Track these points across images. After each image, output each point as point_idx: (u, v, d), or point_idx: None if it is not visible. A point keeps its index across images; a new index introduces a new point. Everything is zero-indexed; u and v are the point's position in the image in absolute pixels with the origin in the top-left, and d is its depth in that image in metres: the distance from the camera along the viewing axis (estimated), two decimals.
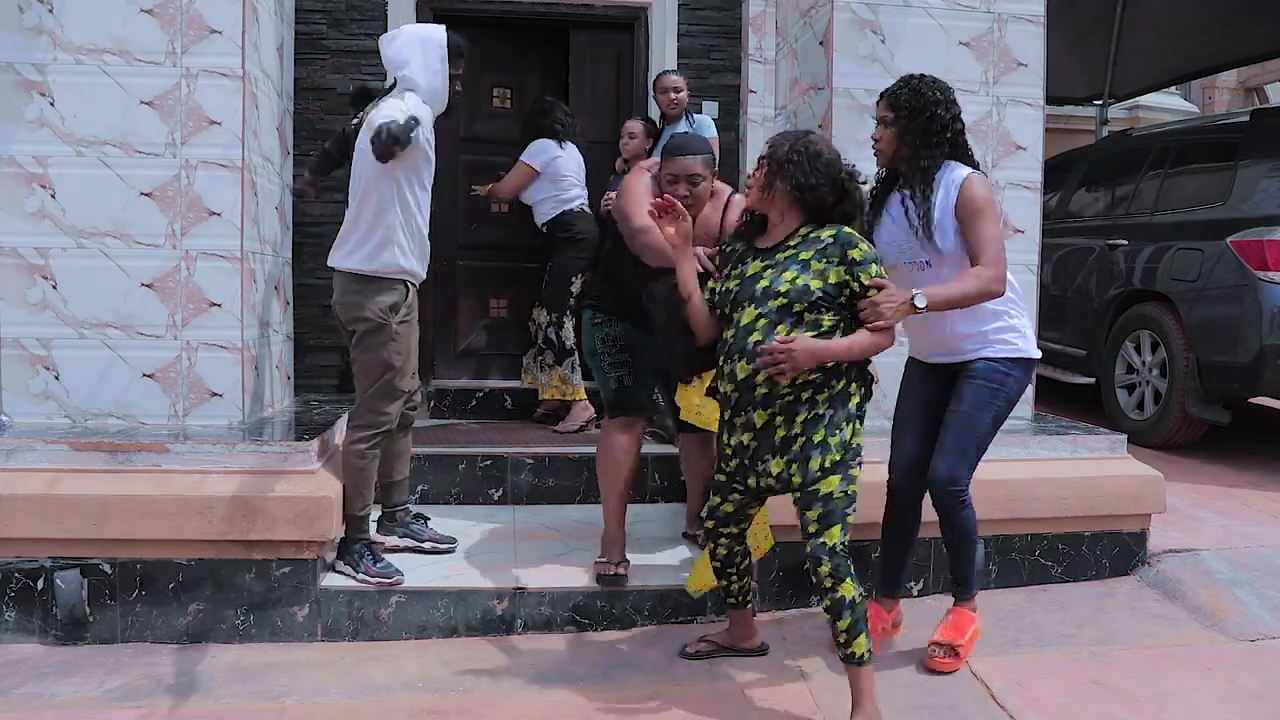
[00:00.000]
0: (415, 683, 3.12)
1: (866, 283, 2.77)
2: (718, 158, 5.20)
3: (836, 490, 2.79)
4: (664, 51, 5.82)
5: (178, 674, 3.16)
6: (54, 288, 3.71)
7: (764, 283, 2.81)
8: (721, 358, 2.90)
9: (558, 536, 4.14)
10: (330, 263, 3.54)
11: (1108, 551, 3.91)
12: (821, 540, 2.78)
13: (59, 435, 3.52)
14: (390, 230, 3.45)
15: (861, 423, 2.90)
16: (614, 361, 3.68)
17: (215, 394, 3.77)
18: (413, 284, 3.60)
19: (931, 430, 3.19)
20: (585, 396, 5.18)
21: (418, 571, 3.66)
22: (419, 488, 4.62)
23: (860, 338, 2.78)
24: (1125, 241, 6.08)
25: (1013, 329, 3.13)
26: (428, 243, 3.64)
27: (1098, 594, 3.78)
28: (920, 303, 2.79)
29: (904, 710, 2.94)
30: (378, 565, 3.52)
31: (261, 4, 4.05)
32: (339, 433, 4.04)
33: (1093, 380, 6.43)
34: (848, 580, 2.77)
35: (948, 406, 3.15)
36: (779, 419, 2.80)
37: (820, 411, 2.80)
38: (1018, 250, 4.09)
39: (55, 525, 3.30)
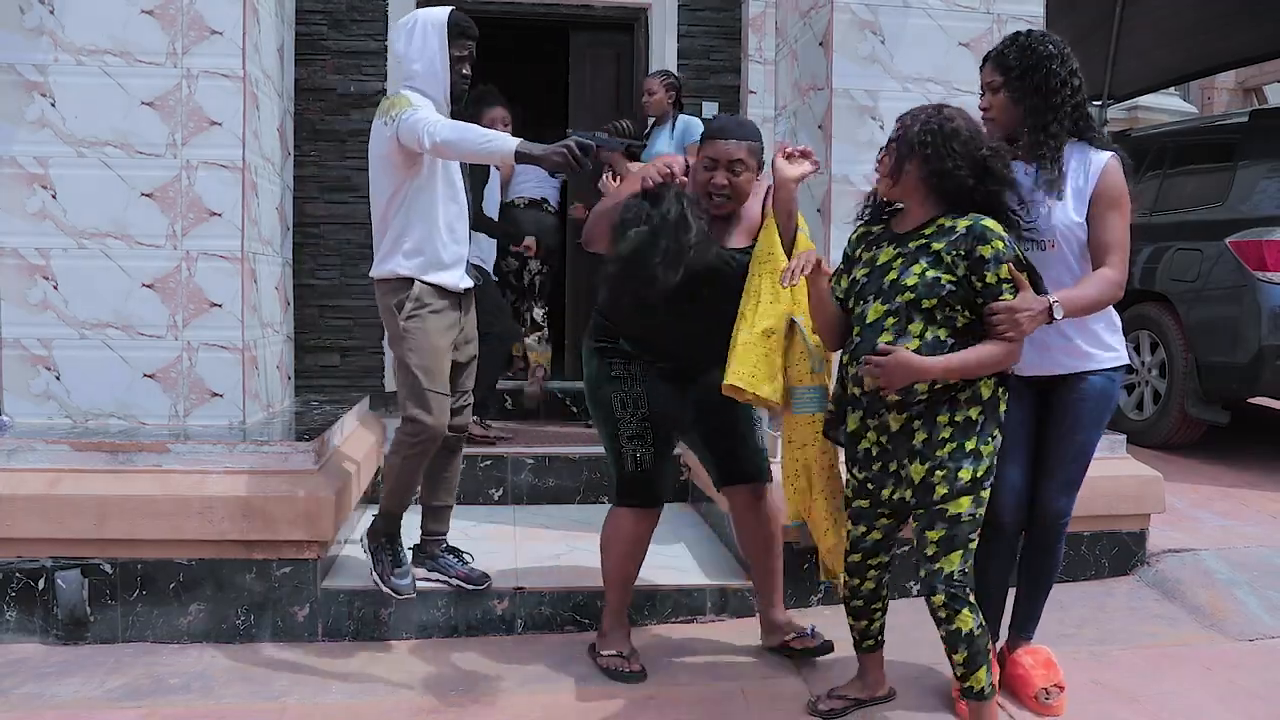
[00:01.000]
0: (416, 683, 3.12)
1: (1003, 277, 2.42)
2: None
3: (965, 513, 2.49)
4: (664, 52, 5.83)
5: (178, 674, 3.16)
6: (55, 288, 3.71)
7: (892, 274, 2.51)
8: (846, 357, 2.63)
9: (558, 536, 4.15)
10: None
11: (1107, 551, 3.91)
12: (939, 566, 2.50)
13: (60, 435, 3.52)
14: (395, 236, 3.28)
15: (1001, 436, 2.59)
16: (633, 435, 3.08)
17: (216, 394, 3.78)
18: (425, 281, 3.28)
19: (1032, 455, 2.85)
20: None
21: (418, 571, 3.66)
22: (419, 488, 4.62)
23: (976, 354, 2.44)
24: None
25: (1114, 329, 2.83)
26: (454, 245, 3.35)
27: (1097, 594, 3.78)
28: (1058, 313, 2.45)
29: (903, 710, 2.94)
30: (396, 574, 3.33)
31: (262, 5, 4.06)
32: (339, 433, 4.05)
33: None
34: (965, 611, 2.53)
35: (1051, 427, 2.82)
36: (917, 422, 2.51)
37: (971, 415, 2.50)
38: None
39: (56, 525, 3.30)
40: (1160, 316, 5.61)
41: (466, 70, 3.34)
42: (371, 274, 3.39)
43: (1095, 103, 9.06)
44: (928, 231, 2.52)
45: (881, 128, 3.97)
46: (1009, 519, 2.85)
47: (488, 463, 4.67)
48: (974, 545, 2.53)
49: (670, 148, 5.28)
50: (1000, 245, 2.43)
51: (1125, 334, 5.91)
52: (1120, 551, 3.92)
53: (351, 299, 5.62)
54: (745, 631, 3.50)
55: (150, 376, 3.75)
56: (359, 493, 4.07)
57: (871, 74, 3.97)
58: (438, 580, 3.52)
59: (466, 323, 3.49)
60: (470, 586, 3.49)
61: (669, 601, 3.58)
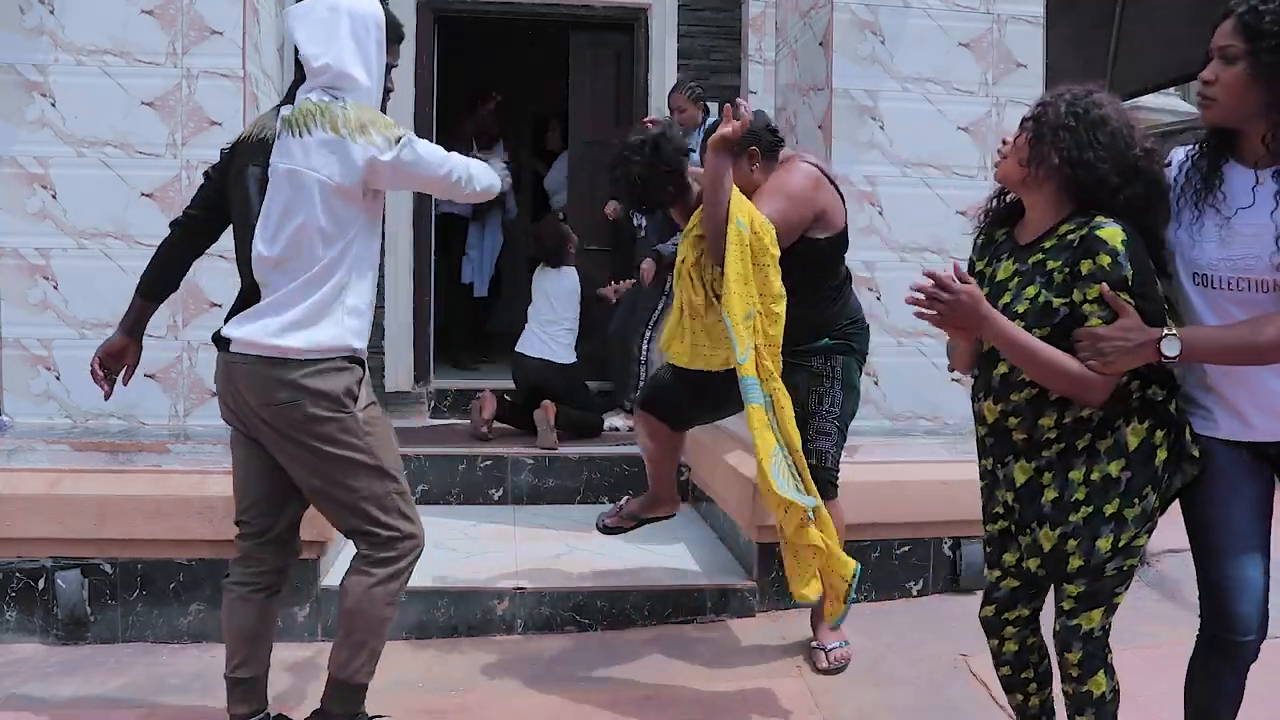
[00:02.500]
0: (415, 682, 3.13)
1: (1090, 298, 1.96)
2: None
3: (1111, 567, 2.08)
4: (664, 52, 5.83)
5: (178, 674, 3.16)
6: (55, 288, 3.71)
7: (1006, 297, 2.09)
8: (972, 392, 2.26)
9: (558, 537, 4.15)
10: None
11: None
12: (1076, 622, 2.13)
13: (60, 435, 3.52)
14: (336, 292, 2.51)
15: (1167, 485, 2.10)
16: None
17: (215, 394, 3.77)
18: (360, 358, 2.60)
19: (1265, 542, 2.15)
20: None
21: (418, 571, 3.66)
22: (419, 488, 4.63)
23: (1056, 357, 1.99)
24: None
25: None
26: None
27: None
28: (1172, 350, 1.92)
29: (904, 710, 2.95)
30: None
31: (262, 5, 4.05)
32: None
33: None
34: (1100, 674, 2.20)
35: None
36: (1046, 475, 2.08)
37: (1112, 471, 2.03)
38: None
39: (56, 525, 3.30)
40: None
41: (390, 84, 2.67)
42: (290, 346, 2.46)
43: None
44: (1047, 244, 2.07)
45: (882, 128, 3.98)
46: (1245, 635, 2.15)
47: (488, 463, 4.67)
48: (1120, 600, 2.17)
49: (699, 156, 5.33)
50: (1106, 261, 1.95)
51: None
52: None
53: None
54: (745, 631, 3.50)
55: (150, 376, 3.74)
56: None
57: (871, 74, 3.97)
58: None
59: None
60: None
61: (669, 601, 3.58)
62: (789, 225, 3.07)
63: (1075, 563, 2.08)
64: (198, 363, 3.76)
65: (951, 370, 2.40)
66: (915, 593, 3.76)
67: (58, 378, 3.71)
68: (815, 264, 3.21)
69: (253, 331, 2.50)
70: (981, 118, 4.05)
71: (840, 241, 3.27)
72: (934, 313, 2.03)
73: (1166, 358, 1.93)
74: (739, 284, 2.89)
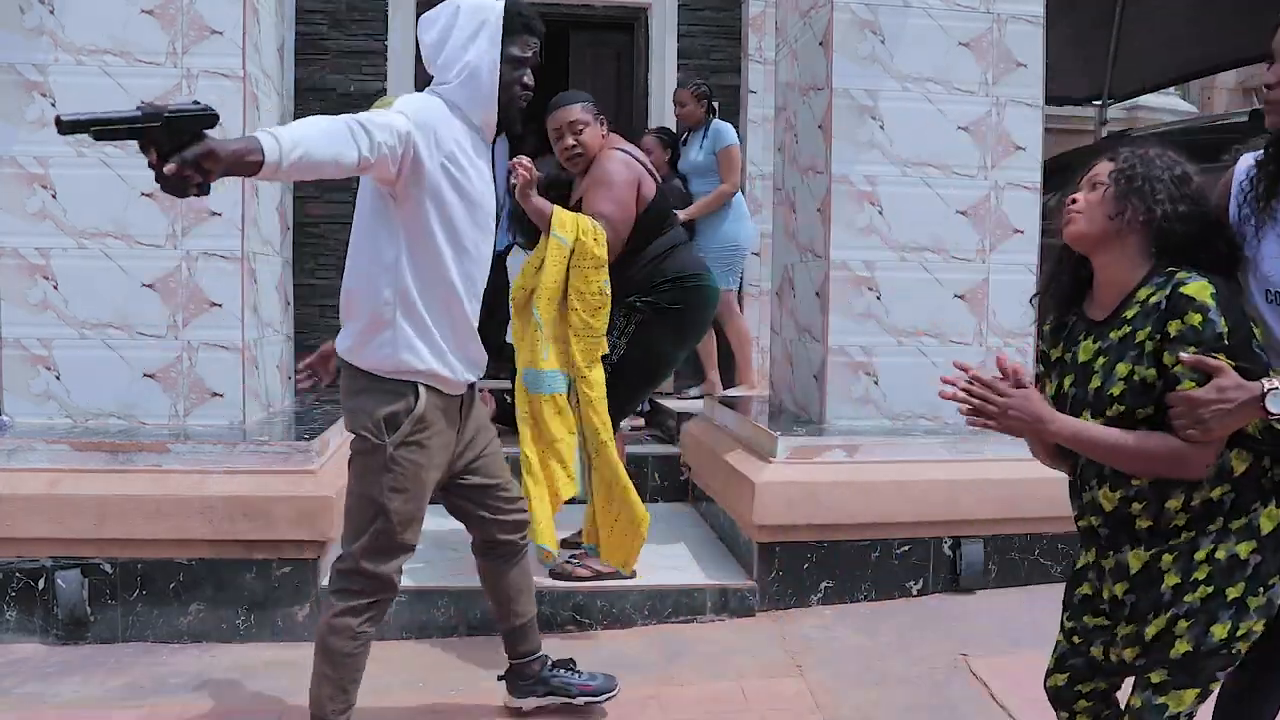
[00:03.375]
0: (415, 682, 3.12)
1: (1184, 361, 1.73)
2: (740, 165, 5.26)
3: (1218, 641, 1.79)
4: (664, 52, 5.84)
5: (179, 674, 3.16)
6: (55, 288, 3.71)
7: (1095, 381, 1.86)
8: (1078, 481, 2.01)
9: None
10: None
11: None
12: (1163, 701, 1.82)
13: (60, 435, 3.52)
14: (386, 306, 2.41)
15: None
16: None
17: (216, 394, 3.78)
18: (432, 386, 2.46)
19: None
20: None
21: (418, 571, 3.67)
22: None
23: (1136, 440, 1.78)
24: None
25: None
26: (469, 329, 2.54)
27: None
28: (1276, 406, 1.70)
29: (903, 709, 2.95)
30: None
31: (262, 4, 4.06)
32: (339, 433, 4.05)
33: None
34: None
35: None
36: (1166, 558, 1.83)
37: (1240, 552, 1.79)
38: (1017, 251, 4.10)
39: (56, 525, 3.30)
40: None
41: (526, 78, 2.55)
42: (354, 360, 2.44)
43: (1095, 103, 9.08)
44: (1129, 313, 1.84)
45: (882, 127, 3.98)
46: None
47: None
48: (1216, 686, 1.87)
49: (702, 155, 5.35)
50: (1196, 319, 1.75)
51: None
52: None
53: None
54: (745, 631, 3.50)
55: (150, 376, 3.75)
56: None
57: (871, 74, 3.97)
58: (561, 702, 2.89)
59: (476, 409, 2.72)
60: (603, 697, 2.89)
61: (669, 601, 3.58)
62: (625, 210, 3.62)
63: (1182, 647, 1.79)
64: (198, 363, 3.76)
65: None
66: (915, 592, 3.76)
67: (58, 377, 3.72)
68: (636, 231, 3.69)
69: None
70: (981, 117, 4.05)
71: (652, 208, 3.74)
72: (984, 419, 1.83)
73: (1271, 414, 1.71)
74: (553, 291, 3.41)
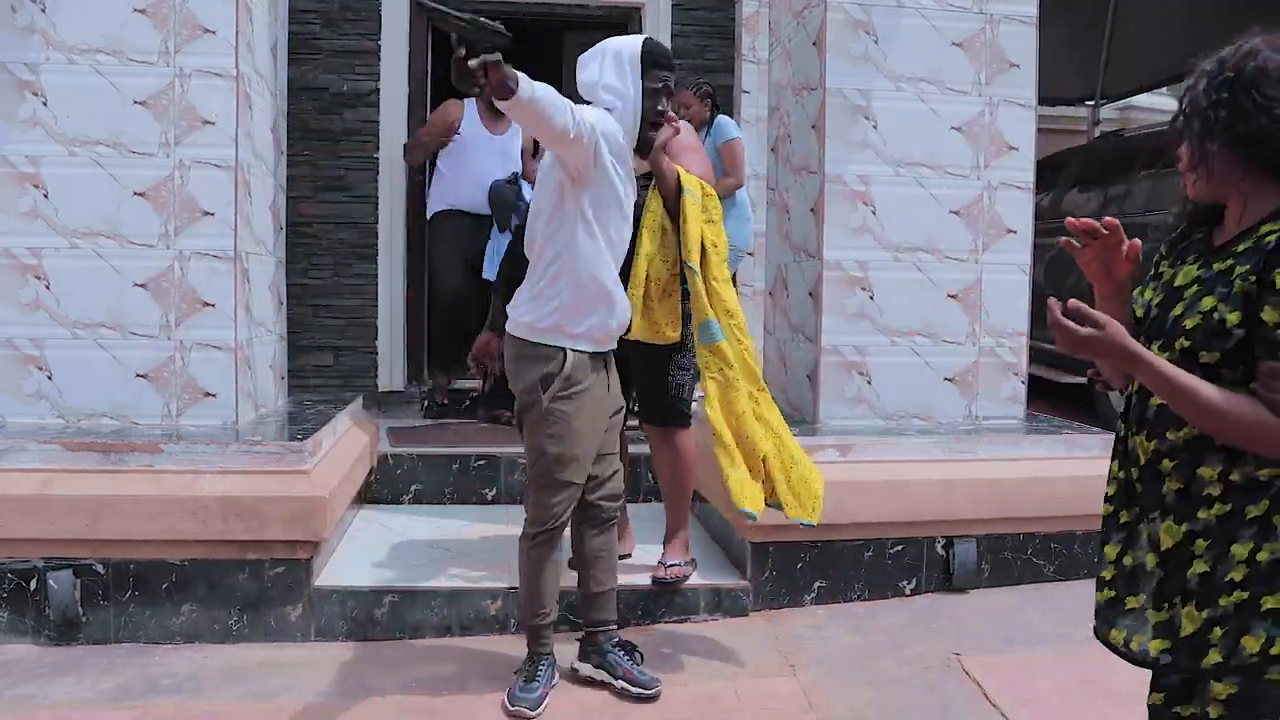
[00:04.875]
0: (409, 682, 3.12)
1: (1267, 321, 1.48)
2: (742, 160, 5.24)
3: (1275, 671, 1.52)
4: None
5: (171, 674, 3.15)
6: (47, 288, 3.70)
7: (1178, 308, 1.61)
8: (1121, 425, 1.74)
9: None
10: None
11: (1100, 551, 3.91)
12: None
13: (52, 435, 3.51)
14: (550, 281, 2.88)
15: None
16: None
17: (209, 394, 3.77)
18: (576, 350, 2.87)
19: None
20: None
21: (411, 571, 3.67)
22: (412, 488, 4.63)
23: (1224, 399, 1.51)
24: None
25: None
26: (616, 301, 2.93)
27: (1090, 593, 3.77)
28: None
29: (897, 709, 2.95)
30: (520, 689, 2.93)
31: (255, 3, 4.05)
32: (332, 433, 4.04)
33: (1085, 379, 6.44)
34: None
35: None
36: (1201, 543, 1.57)
37: None
38: (1010, 250, 4.11)
39: (48, 526, 3.29)
40: None
41: (663, 105, 2.95)
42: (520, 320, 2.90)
43: (1088, 103, 9.11)
44: (1240, 247, 1.59)
45: (875, 127, 3.98)
46: None
47: (481, 462, 4.66)
48: None
49: (708, 148, 5.32)
50: None
51: None
52: None
53: (345, 299, 5.61)
54: (739, 631, 3.50)
55: (143, 376, 3.74)
56: (352, 493, 4.06)
57: (864, 73, 3.98)
58: (602, 678, 3.05)
59: (615, 377, 3.08)
60: (636, 690, 3.00)
61: (663, 601, 3.58)
62: (708, 171, 3.58)
63: (1214, 657, 1.55)
64: (190, 362, 3.76)
65: (1097, 380, 1.89)
66: (908, 592, 3.76)
67: (50, 378, 3.71)
68: None
69: None
70: (975, 117, 4.06)
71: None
72: (1080, 339, 1.57)
73: None
74: (698, 243, 3.32)
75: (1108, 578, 1.76)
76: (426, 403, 5.61)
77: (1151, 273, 1.78)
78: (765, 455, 3.25)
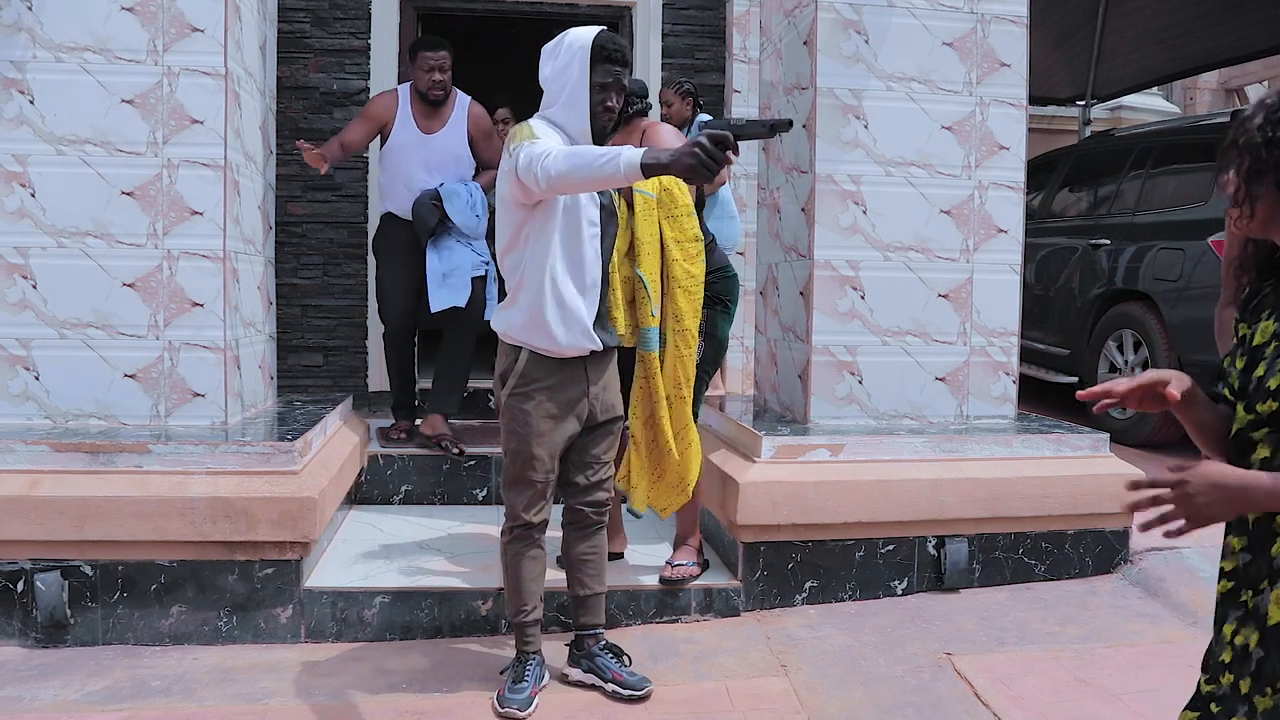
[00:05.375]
0: (400, 683, 3.11)
1: None
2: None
3: None
4: (648, 51, 5.81)
5: (160, 676, 3.14)
6: (34, 287, 3.68)
7: (1260, 369, 1.50)
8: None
9: None
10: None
11: (1090, 550, 3.93)
12: None
13: (39, 436, 3.49)
14: (511, 292, 2.89)
15: None
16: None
17: (197, 394, 3.75)
18: (535, 350, 2.86)
19: None
20: None
21: (402, 572, 3.65)
22: (402, 489, 4.61)
23: None
24: (1108, 241, 6.11)
25: None
26: (570, 309, 2.84)
27: (1080, 592, 3.80)
28: None
29: (888, 708, 2.95)
30: (510, 689, 2.94)
31: (244, 2, 4.03)
32: (322, 434, 4.03)
33: (1076, 379, 6.47)
34: None
35: None
36: None
37: None
38: (1001, 250, 4.12)
39: (36, 527, 3.27)
40: (1143, 316, 5.64)
41: (612, 101, 2.86)
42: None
43: (1079, 103, 9.13)
44: None
45: (866, 127, 3.98)
46: None
47: (471, 463, 4.65)
48: None
49: None
50: None
51: (1108, 333, 6.02)
52: (1104, 550, 3.94)
53: (334, 298, 5.60)
54: (730, 631, 3.50)
55: (131, 376, 3.72)
56: (342, 493, 4.05)
57: (855, 73, 3.98)
58: (593, 681, 3.07)
59: (605, 385, 3.01)
60: (627, 692, 3.01)
61: (654, 601, 3.58)
62: None
63: None
64: (179, 363, 3.74)
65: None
66: (900, 591, 3.76)
67: (37, 378, 3.68)
68: None
69: None
70: (965, 117, 4.06)
71: (698, 196, 3.80)
72: (1178, 510, 1.40)
73: None
74: (652, 244, 3.40)
75: (1218, 659, 1.58)
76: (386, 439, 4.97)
77: (1234, 339, 1.64)
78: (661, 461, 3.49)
